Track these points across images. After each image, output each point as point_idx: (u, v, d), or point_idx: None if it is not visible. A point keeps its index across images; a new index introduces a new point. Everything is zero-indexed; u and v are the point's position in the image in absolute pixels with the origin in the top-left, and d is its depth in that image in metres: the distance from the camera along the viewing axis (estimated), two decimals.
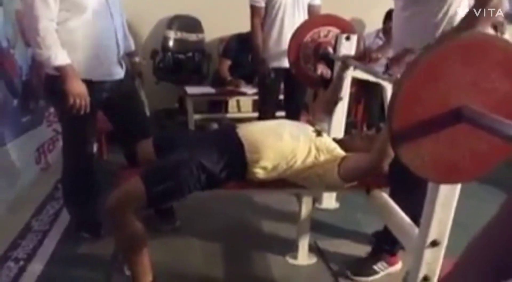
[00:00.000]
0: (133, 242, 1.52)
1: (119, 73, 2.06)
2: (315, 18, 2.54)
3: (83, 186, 2.12)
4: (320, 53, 2.41)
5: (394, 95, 1.08)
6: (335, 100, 2.18)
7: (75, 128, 1.99)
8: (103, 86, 1.98)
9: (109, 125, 2.25)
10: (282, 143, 1.63)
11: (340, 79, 2.18)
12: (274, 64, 2.86)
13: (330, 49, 2.38)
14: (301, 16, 2.84)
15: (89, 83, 1.89)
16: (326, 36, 2.42)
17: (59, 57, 1.77)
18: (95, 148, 2.33)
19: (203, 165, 1.55)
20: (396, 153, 1.13)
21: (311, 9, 2.88)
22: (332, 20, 2.43)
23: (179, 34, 4.15)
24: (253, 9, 2.84)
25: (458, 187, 1.32)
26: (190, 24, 4.17)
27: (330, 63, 2.40)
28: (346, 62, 2.16)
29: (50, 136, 3.03)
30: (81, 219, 2.21)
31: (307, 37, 2.41)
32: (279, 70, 2.86)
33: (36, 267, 1.91)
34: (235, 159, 1.61)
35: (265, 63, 2.86)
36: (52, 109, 3.04)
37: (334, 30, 2.41)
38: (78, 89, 1.82)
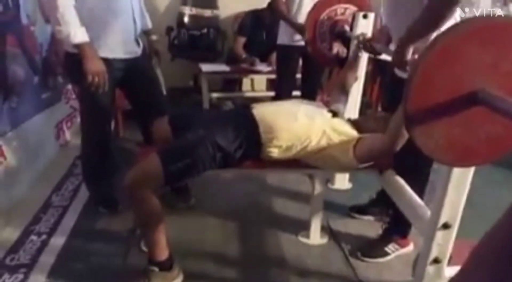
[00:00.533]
0: (151, 218, 1.56)
1: (136, 51, 2.07)
2: None
3: (101, 163, 2.17)
4: (336, 31, 2.38)
5: (410, 77, 1.08)
6: (352, 80, 2.16)
7: (94, 106, 2.02)
8: (121, 64, 2.00)
9: (126, 103, 2.28)
10: (297, 124, 1.64)
11: (356, 58, 2.16)
12: (291, 42, 2.83)
13: (347, 28, 2.35)
14: None
15: (106, 61, 1.92)
16: (343, 14, 2.38)
17: (78, 34, 1.79)
18: (112, 125, 2.37)
19: (218, 144, 1.58)
20: (410, 135, 1.13)
21: None
22: None
23: (194, 10, 4.14)
24: None
25: (471, 169, 1.32)
26: None
27: (346, 42, 2.37)
28: (362, 41, 2.14)
29: (68, 113, 3.09)
30: (99, 195, 2.28)
31: (324, 15, 2.37)
32: (296, 48, 2.83)
33: (58, 240, 1.99)
34: (250, 139, 1.63)
35: (295, 26, 2.77)
36: (69, 86, 3.09)
37: (351, 8, 2.37)
38: (96, 67, 1.85)
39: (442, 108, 1.06)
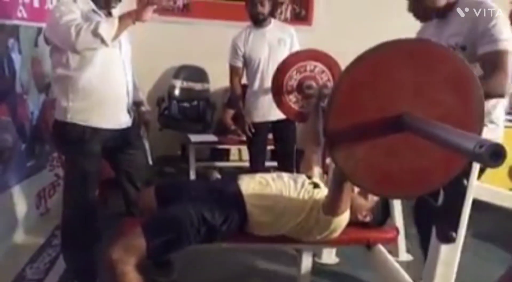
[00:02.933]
0: None
1: (127, 122, 2.11)
2: (304, 52, 2.54)
3: (83, 232, 2.10)
4: (304, 86, 2.42)
5: (333, 91, 1.01)
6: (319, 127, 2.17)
7: (80, 175, 2.00)
8: (110, 133, 2.02)
9: (109, 172, 2.26)
10: (282, 198, 1.65)
11: (317, 109, 2.19)
12: (258, 118, 2.91)
13: (314, 84, 2.40)
14: None
15: (97, 130, 1.95)
16: (312, 71, 2.44)
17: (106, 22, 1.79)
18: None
19: (204, 217, 1.55)
20: (330, 154, 1.05)
21: None
22: (319, 56, 2.45)
23: (185, 84, 4.28)
24: (231, 68, 2.96)
25: (459, 244, 1.32)
26: (196, 74, 4.30)
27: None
28: (322, 92, 2.18)
29: (51, 181, 3.04)
30: (76, 266, 2.17)
31: (293, 69, 2.43)
32: (264, 124, 2.91)
33: None
34: (236, 212, 1.61)
35: (243, 119, 2.93)
36: (55, 154, 3.07)
37: (320, 66, 2.43)
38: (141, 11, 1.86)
39: (365, 129, 0.99)
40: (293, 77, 2.44)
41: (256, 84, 2.90)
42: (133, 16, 1.87)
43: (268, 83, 2.75)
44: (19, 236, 2.48)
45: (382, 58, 0.97)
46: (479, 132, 1.01)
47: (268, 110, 2.84)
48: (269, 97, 2.66)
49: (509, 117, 3.87)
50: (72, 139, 1.95)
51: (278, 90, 2.47)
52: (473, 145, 0.74)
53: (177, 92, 4.22)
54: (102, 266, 1.71)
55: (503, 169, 3.53)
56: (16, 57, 2.46)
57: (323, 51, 2.48)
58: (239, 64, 2.93)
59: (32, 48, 2.65)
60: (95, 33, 1.76)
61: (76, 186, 2.06)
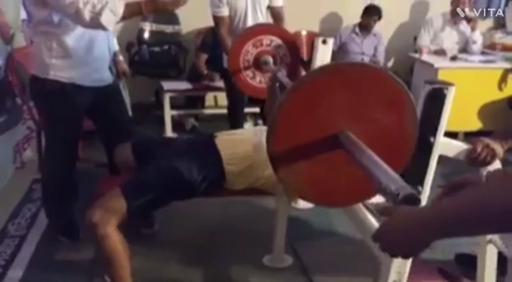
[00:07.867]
0: (115, 255, 1.54)
1: (109, 78, 2.09)
2: (260, 26, 2.49)
3: (64, 189, 2.12)
4: (261, 61, 2.34)
5: (274, 115, 1.08)
6: None
7: (60, 131, 2.00)
8: (92, 90, 1.99)
9: (87, 125, 2.23)
10: (259, 154, 1.67)
11: (272, 90, 2.11)
12: None
13: (270, 58, 2.33)
14: (262, 20, 2.84)
15: (80, 87, 1.92)
16: (268, 45, 2.36)
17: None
18: None
19: (183, 177, 1.58)
20: (275, 173, 1.13)
21: (273, 11, 2.87)
22: (276, 30, 2.41)
23: (155, 26, 4.10)
24: (217, 19, 2.81)
25: (424, 199, 1.39)
26: (165, 15, 4.10)
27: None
28: (277, 76, 2.15)
29: (24, 135, 2.99)
30: (60, 222, 2.21)
31: (249, 43, 2.33)
32: None
33: (15, 273, 1.92)
34: (214, 171, 1.65)
35: None
36: (25, 107, 2.99)
37: (277, 41, 2.34)
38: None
39: (305, 148, 1.08)
40: (249, 52, 2.34)
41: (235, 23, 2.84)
42: (146, 8, 1.76)
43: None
44: None
45: (319, 82, 1.04)
46: (412, 147, 1.13)
47: None
48: None
49: (482, 58, 3.94)
50: (52, 94, 1.91)
51: (234, 65, 2.35)
52: (393, 189, 0.81)
53: (146, 35, 4.06)
54: (84, 221, 1.75)
55: (473, 109, 3.67)
56: None
57: (280, 26, 2.43)
58: (225, 13, 2.78)
59: None
60: (97, 23, 1.68)
61: (56, 143, 2.05)
